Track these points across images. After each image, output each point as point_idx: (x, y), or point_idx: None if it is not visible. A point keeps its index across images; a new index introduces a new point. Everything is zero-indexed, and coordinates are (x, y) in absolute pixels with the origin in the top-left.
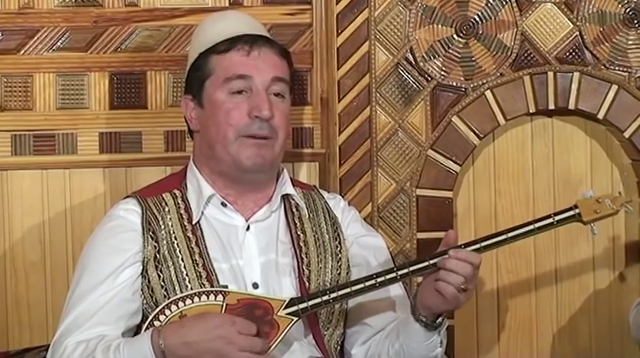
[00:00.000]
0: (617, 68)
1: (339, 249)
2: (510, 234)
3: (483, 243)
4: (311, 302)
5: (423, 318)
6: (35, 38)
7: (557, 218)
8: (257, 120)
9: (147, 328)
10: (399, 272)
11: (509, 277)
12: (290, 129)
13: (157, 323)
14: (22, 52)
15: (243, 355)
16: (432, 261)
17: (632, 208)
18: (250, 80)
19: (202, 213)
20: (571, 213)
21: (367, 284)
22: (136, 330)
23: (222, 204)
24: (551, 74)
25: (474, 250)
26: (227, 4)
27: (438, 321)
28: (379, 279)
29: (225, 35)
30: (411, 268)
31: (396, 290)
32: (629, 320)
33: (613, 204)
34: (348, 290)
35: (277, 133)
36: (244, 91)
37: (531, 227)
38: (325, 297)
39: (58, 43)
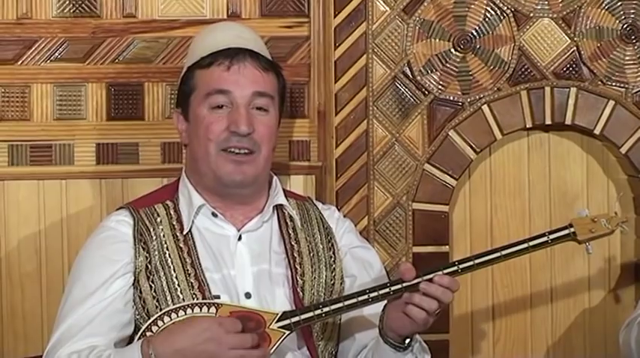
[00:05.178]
0: (614, 84)
1: (333, 259)
2: (504, 252)
3: (477, 261)
4: (303, 316)
5: (392, 341)
6: (33, 48)
7: (551, 237)
8: (235, 134)
9: (139, 339)
10: (392, 288)
11: (505, 293)
12: (275, 142)
13: (148, 334)
14: (20, 62)
15: (236, 353)
16: (425, 278)
17: (628, 228)
18: (230, 95)
19: (193, 223)
20: (566, 231)
21: (360, 299)
22: (129, 341)
23: (213, 214)
24: (548, 89)
25: (468, 267)
26: (225, 16)
27: (407, 342)
28: (372, 294)
29: (210, 49)
30: (404, 284)
31: None
32: (619, 340)
33: (608, 224)
34: (340, 304)
35: (260, 147)
36: (225, 106)
37: (525, 245)
38: (317, 311)
39: (56, 54)
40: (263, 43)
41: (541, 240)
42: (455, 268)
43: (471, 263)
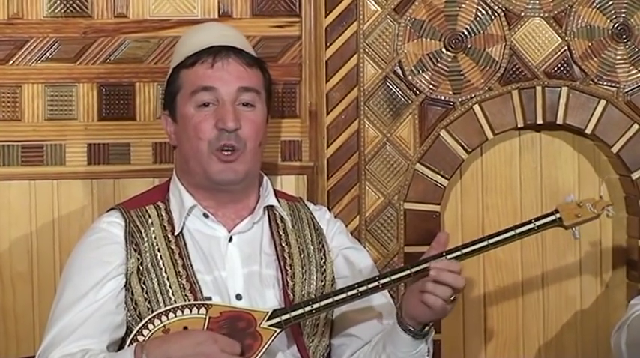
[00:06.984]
0: (605, 83)
1: (323, 260)
2: (492, 241)
3: (465, 250)
4: (293, 313)
5: (411, 328)
6: (24, 49)
7: (537, 223)
8: (224, 131)
9: (131, 342)
10: (381, 281)
11: (496, 290)
12: (264, 137)
13: (140, 337)
14: (11, 62)
15: None
16: (413, 270)
17: (614, 212)
18: (215, 92)
19: (184, 224)
20: (552, 217)
21: (349, 293)
22: (121, 343)
23: (204, 215)
24: (539, 89)
25: (455, 257)
26: (216, 16)
27: (425, 330)
28: (361, 289)
29: (194, 48)
30: (393, 276)
31: (381, 299)
32: (611, 344)
33: (594, 208)
34: (330, 300)
35: (245, 144)
36: (211, 103)
37: (512, 233)
38: (308, 308)
39: (47, 54)
40: (247, 41)
41: (527, 227)
42: (443, 259)
43: (458, 253)
